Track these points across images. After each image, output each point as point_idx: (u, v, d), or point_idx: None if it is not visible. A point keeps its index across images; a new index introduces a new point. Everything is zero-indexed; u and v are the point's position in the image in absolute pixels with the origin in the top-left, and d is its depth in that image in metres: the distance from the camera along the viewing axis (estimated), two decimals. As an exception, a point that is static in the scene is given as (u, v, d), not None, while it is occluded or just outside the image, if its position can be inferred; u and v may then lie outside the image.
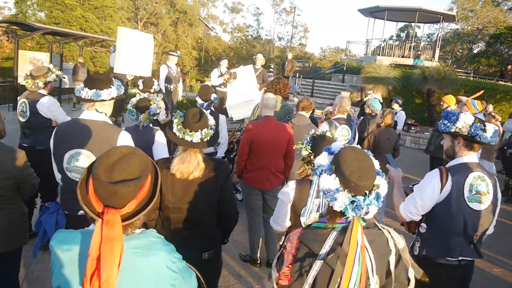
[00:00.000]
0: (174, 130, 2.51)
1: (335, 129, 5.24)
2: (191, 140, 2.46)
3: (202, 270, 1.89)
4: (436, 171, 2.69)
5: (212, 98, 5.27)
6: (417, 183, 2.94)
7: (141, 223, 1.59)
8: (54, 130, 3.04)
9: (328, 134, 2.64)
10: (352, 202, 1.56)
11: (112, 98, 3.00)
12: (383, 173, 1.69)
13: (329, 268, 1.59)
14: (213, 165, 2.62)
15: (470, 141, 2.66)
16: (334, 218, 1.66)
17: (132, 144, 3.03)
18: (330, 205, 1.62)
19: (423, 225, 2.77)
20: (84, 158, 2.89)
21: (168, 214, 2.60)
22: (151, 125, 3.85)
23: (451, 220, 2.64)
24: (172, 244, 1.66)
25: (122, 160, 1.47)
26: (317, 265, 1.60)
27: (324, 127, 5.29)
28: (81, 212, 2.89)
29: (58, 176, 3.07)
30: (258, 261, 4.60)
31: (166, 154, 3.67)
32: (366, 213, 1.57)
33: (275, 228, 2.88)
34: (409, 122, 14.46)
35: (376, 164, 1.68)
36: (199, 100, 5.29)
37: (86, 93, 2.90)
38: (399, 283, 1.77)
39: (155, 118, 3.87)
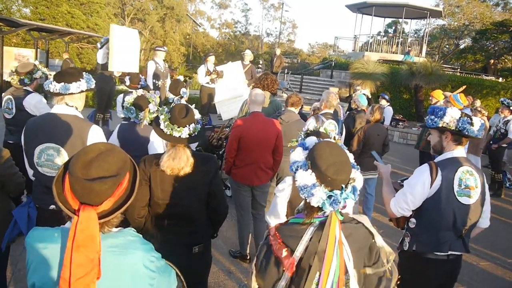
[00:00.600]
0: (161, 126, 2.49)
1: (322, 124, 5.25)
2: (180, 136, 2.45)
3: (193, 264, 1.89)
4: (425, 166, 2.70)
5: (181, 92, 5.25)
6: (406, 178, 2.96)
7: (118, 221, 1.56)
8: (25, 125, 2.98)
9: (321, 129, 2.63)
10: (330, 197, 1.55)
11: (82, 91, 2.95)
12: (358, 166, 1.69)
13: (306, 264, 1.58)
14: (202, 160, 2.62)
15: (458, 135, 2.68)
16: (311, 214, 1.65)
17: (104, 138, 3.02)
18: (308, 200, 1.60)
19: (413, 220, 2.78)
20: (54, 153, 2.85)
21: (158, 210, 2.59)
22: (147, 123, 3.83)
23: (441, 215, 2.65)
24: (161, 239, 1.64)
25: (99, 157, 1.45)
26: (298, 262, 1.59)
27: (311, 122, 5.30)
28: (52, 206, 2.88)
29: (30, 172, 3.02)
30: (248, 257, 4.60)
31: (161, 152, 3.65)
32: (344, 207, 1.57)
33: (271, 224, 2.87)
34: (397, 118, 14.57)
35: (351, 157, 1.68)
36: (170, 95, 5.27)
37: (54, 86, 2.85)
38: (377, 271, 1.79)
39: (154, 116, 3.84)
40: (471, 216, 2.70)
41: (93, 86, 3.04)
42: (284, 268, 1.64)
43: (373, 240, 1.76)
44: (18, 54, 14.46)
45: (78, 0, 28.32)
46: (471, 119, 2.65)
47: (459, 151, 2.73)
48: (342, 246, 1.59)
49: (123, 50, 6.76)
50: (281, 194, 2.70)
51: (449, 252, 2.70)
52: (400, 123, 14.67)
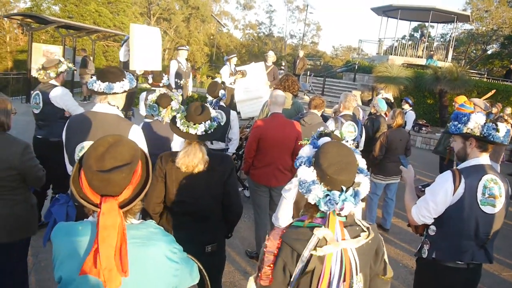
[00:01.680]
0: (178, 124, 2.52)
1: (341, 126, 5.22)
2: (195, 133, 2.48)
3: (205, 263, 1.89)
4: (448, 173, 2.62)
5: (220, 94, 5.26)
6: (427, 184, 2.90)
7: (139, 209, 1.59)
8: (67, 122, 3.05)
9: (336, 132, 2.62)
10: (326, 195, 1.54)
11: (125, 91, 3.00)
12: (368, 172, 1.66)
13: (311, 268, 1.57)
14: (218, 159, 2.64)
15: (483, 141, 2.60)
16: (311, 214, 1.64)
17: (143, 139, 3.05)
18: (306, 197, 1.59)
19: (432, 227, 2.72)
20: None
21: (173, 207, 2.62)
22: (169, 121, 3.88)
23: (463, 223, 2.58)
24: (175, 237, 1.66)
25: (110, 149, 1.47)
26: (300, 265, 1.58)
27: (330, 123, 5.28)
28: None
29: (69, 168, 3.09)
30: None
31: None
32: (341, 209, 1.54)
33: (277, 225, 2.87)
34: (420, 123, 14.35)
35: (362, 162, 1.66)
36: (209, 97, 5.30)
37: (99, 85, 2.90)
38: (379, 277, 1.77)
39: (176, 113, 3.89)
40: (494, 226, 2.62)
41: (134, 85, 3.10)
42: (260, 277, 1.64)
43: (381, 243, 1.75)
44: (46, 50, 14.79)
45: (105, -1, 28.87)
46: (496, 125, 2.57)
47: (484, 158, 2.65)
48: (347, 248, 1.57)
49: (144, 48, 6.83)
50: (287, 194, 2.70)
51: (470, 261, 2.64)
52: (423, 128, 14.44)
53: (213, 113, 2.63)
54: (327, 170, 1.54)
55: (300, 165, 1.65)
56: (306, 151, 1.70)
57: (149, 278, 1.51)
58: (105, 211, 1.40)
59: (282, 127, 4.26)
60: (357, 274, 1.61)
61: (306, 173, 1.59)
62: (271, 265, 1.64)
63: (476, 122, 2.59)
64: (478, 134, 2.59)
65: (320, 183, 1.56)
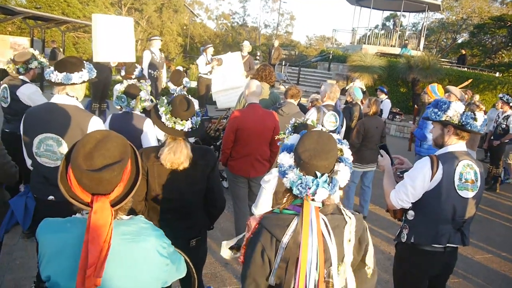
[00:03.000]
0: (163, 119, 2.43)
1: (323, 115, 5.23)
2: (182, 129, 2.42)
3: (190, 257, 1.88)
4: (426, 159, 2.68)
5: (184, 82, 5.21)
6: (405, 170, 2.95)
7: (130, 206, 1.58)
8: (24, 114, 2.94)
9: (309, 121, 2.61)
10: (299, 179, 1.56)
11: (84, 82, 2.91)
12: (351, 163, 1.66)
13: (288, 254, 1.58)
14: (200, 154, 2.59)
15: (461, 129, 2.66)
16: (287, 199, 1.67)
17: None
18: (283, 182, 1.63)
19: (411, 212, 2.77)
20: (54, 143, 2.82)
21: (155, 204, 2.56)
22: (139, 112, 3.80)
23: (440, 208, 2.65)
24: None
25: (98, 146, 1.42)
26: (281, 252, 1.59)
27: (312, 113, 5.28)
28: (50, 197, 2.85)
29: (28, 162, 2.99)
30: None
31: (155, 143, 3.62)
32: (314, 194, 1.55)
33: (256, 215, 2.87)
34: (394, 111, 14.58)
35: (346, 152, 1.68)
36: (172, 86, 5.22)
37: (56, 76, 2.80)
38: (364, 271, 1.79)
39: (145, 104, 3.82)
40: (470, 209, 2.70)
41: (94, 75, 3.00)
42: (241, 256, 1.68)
43: (365, 234, 1.76)
44: (13, 42, 14.31)
45: (74, -11, 28.07)
46: (474, 114, 2.63)
47: (460, 145, 2.72)
48: (321, 236, 1.57)
49: (114, 39, 6.65)
50: (267, 185, 2.70)
51: (447, 245, 2.70)
52: (397, 117, 14.69)
53: (196, 106, 2.59)
54: (302, 155, 1.58)
55: (282, 151, 1.68)
56: (292, 139, 1.72)
57: (140, 273, 1.50)
58: (97, 209, 1.37)
59: (260, 118, 4.24)
60: (336, 262, 1.61)
61: (285, 158, 1.63)
62: (244, 248, 1.68)
63: (456, 110, 2.63)
64: (457, 122, 2.64)
65: (296, 168, 1.59)
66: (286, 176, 1.60)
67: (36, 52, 4.64)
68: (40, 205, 2.92)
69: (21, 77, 4.45)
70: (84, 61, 2.99)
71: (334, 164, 1.62)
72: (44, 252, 1.47)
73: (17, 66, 4.38)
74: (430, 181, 2.63)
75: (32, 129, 2.86)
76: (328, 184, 1.56)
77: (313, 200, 1.59)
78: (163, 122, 2.44)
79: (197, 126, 2.50)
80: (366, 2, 22.72)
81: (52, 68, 2.86)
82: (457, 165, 2.62)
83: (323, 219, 1.61)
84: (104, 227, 1.36)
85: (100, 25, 6.62)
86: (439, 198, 2.64)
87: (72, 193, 1.42)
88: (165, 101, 2.52)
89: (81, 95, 3.02)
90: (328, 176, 1.58)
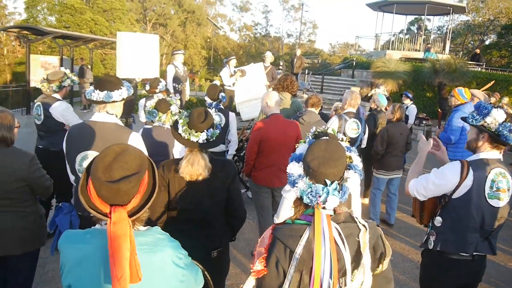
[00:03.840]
0: (179, 131, 2.50)
1: (345, 123, 5.22)
2: (197, 141, 2.46)
3: (211, 268, 1.90)
4: (457, 163, 2.61)
5: (220, 97, 5.27)
6: (431, 129, 2.87)
7: (147, 216, 1.61)
8: (67, 133, 3.07)
9: (329, 130, 2.62)
10: (309, 187, 1.57)
11: (123, 99, 3.01)
12: (361, 171, 1.66)
13: (301, 265, 1.58)
14: (220, 165, 2.63)
15: (495, 139, 2.57)
16: (299, 209, 1.67)
17: (143, 146, 3.05)
18: (293, 191, 1.64)
19: (438, 218, 2.72)
20: None
21: (176, 215, 2.61)
22: (169, 126, 3.90)
23: (469, 216, 2.58)
24: (178, 242, 1.67)
25: (117, 158, 1.48)
26: (294, 263, 1.58)
27: (334, 121, 5.27)
28: None
29: (72, 178, 3.10)
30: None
31: None
32: (325, 202, 1.55)
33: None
34: (421, 116, 14.32)
35: (355, 159, 1.67)
36: (208, 100, 5.30)
37: (98, 95, 2.91)
38: (383, 278, 1.77)
39: (176, 118, 3.90)
40: (500, 219, 2.62)
41: (132, 93, 3.11)
42: (251, 271, 1.66)
43: (380, 241, 1.74)
44: (44, 61, 14.86)
45: (101, 7, 28.96)
46: None
47: (494, 153, 2.63)
48: (334, 244, 1.56)
49: (137, 56, 6.81)
50: (288, 194, 2.70)
51: (474, 253, 2.64)
52: (424, 122, 14.42)
53: (216, 119, 2.61)
54: (310, 163, 1.58)
55: (291, 161, 1.69)
56: (301, 148, 1.74)
57: (157, 284, 1.52)
58: (115, 220, 1.42)
59: (282, 127, 4.27)
60: (352, 271, 1.61)
61: (295, 167, 1.65)
62: (263, 259, 1.66)
63: (495, 118, 2.53)
64: (493, 130, 2.55)
65: (306, 177, 1.60)
66: (296, 185, 1.61)
67: (68, 71, 4.83)
68: (84, 222, 3.00)
69: (54, 95, 4.64)
70: (122, 80, 3.10)
71: (344, 172, 1.62)
72: (65, 262, 1.53)
73: (51, 85, 4.58)
74: (459, 186, 2.57)
75: (75, 146, 2.98)
76: (338, 192, 1.56)
77: (324, 208, 1.59)
78: (180, 134, 2.50)
79: (214, 138, 2.52)
80: (389, 7, 22.50)
81: (92, 87, 2.98)
82: (489, 172, 2.54)
83: (336, 228, 1.60)
84: (124, 236, 1.40)
85: (124, 42, 6.80)
86: (468, 205, 2.57)
87: (91, 204, 1.48)
88: (185, 113, 2.59)
89: (120, 112, 3.12)
90: (338, 184, 1.58)
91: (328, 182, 1.57)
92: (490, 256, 2.78)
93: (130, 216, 1.47)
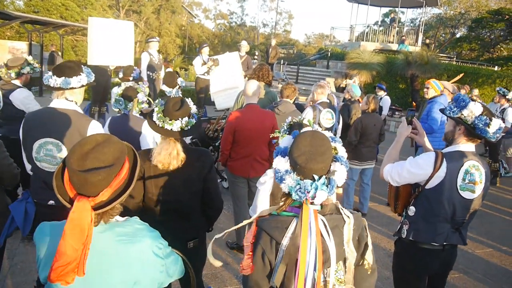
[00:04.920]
0: (154, 118, 2.47)
1: (319, 113, 5.25)
2: (171, 129, 2.43)
3: (188, 259, 1.90)
4: (432, 154, 2.65)
5: (179, 82, 5.21)
6: (412, 114, 2.92)
7: (118, 212, 1.57)
8: (24, 119, 2.97)
9: (305, 121, 2.62)
10: (298, 184, 1.56)
11: (82, 86, 2.93)
12: (346, 161, 1.65)
13: (286, 258, 1.59)
14: (196, 155, 2.61)
15: (470, 132, 2.60)
16: (285, 202, 1.66)
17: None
18: (281, 186, 1.62)
19: (412, 208, 2.76)
20: (53, 148, 2.85)
21: (152, 206, 2.58)
22: (137, 114, 3.82)
23: (440, 207, 2.63)
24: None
25: (96, 148, 1.45)
26: (281, 254, 1.59)
27: (308, 111, 5.30)
28: (51, 202, 2.88)
29: (28, 166, 3.02)
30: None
31: (153, 145, 3.64)
32: (314, 197, 1.55)
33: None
34: (394, 107, 14.57)
35: (341, 150, 1.66)
36: (166, 88, 5.22)
37: (55, 81, 2.82)
38: (367, 269, 1.80)
39: (143, 106, 3.84)
40: (471, 210, 2.69)
41: (93, 79, 3.03)
42: (241, 267, 1.66)
43: (364, 233, 1.76)
44: (12, 47, 14.35)
45: (72, -8, 28.07)
46: (490, 120, 2.54)
47: (469, 146, 2.66)
48: (320, 237, 1.57)
49: (110, 43, 6.66)
50: (263, 187, 2.71)
51: (445, 243, 2.70)
52: (397, 113, 14.68)
53: (194, 109, 2.59)
54: (298, 159, 1.56)
55: (276, 155, 1.66)
56: (285, 141, 1.70)
57: (136, 274, 1.51)
58: (75, 210, 1.38)
59: (258, 118, 4.26)
60: (336, 262, 1.62)
61: (280, 163, 1.62)
62: (250, 253, 1.66)
63: (472, 111, 2.55)
64: (469, 123, 2.58)
65: (293, 172, 1.58)
66: (284, 181, 1.59)
67: (30, 58, 4.69)
68: (40, 210, 2.94)
69: (13, 81, 4.50)
70: (82, 65, 3.02)
71: (330, 164, 1.61)
72: (40, 254, 1.51)
73: (9, 71, 4.43)
74: (432, 177, 2.61)
75: (32, 134, 2.88)
76: (327, 186, 1.56)
77: (312, 203, 1.58)
78: (154, 121, 2.47)
79: (189, 127, 2.49)
80: (364, -1, 22.70)
81: (50, 73, 2.88)
82: (462, 165, 2.58)
83: (322, 220, 1.61)
84: (80, 228, 1.36)
85: (96, 28, 6.64)
86: (440, 196, 2.62)
87: (62, 190, 1.45)
88: (161, 102, 2.55)
89: (80, 99, 3.04)
90: (326, 178, 1.57)
91: (316, 177, 1.56)
92: (462, 245, 2.85)
93: (96, 209, 1.43)
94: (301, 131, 1.74)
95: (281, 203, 1.69)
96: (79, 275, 1.37)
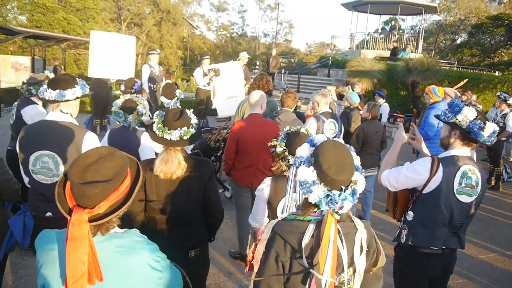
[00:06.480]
0: (154, 129, 2.51)
1: (323, 124, 5.27)
2: (170, 139, 2.46)
3: (189, 268, 1.90)
4: (429, 159, 2.68)
5: (177, 94, 5.25)
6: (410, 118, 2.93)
7: (115, 225, 1.58)
8: (20, 132, 2.99)
9: (302, 130, 2.65)
10: (327, 196, 1.56)
11: (77, 98, 2.95)
12: (363, 170, 1.68)
13: (303, 262, 1.60)
14: (196, 165, 2.63)
15: (465, 136, 2.63)
16: (307, 210, 1.66)
17: (98, 145, 3.00)
18: (305, 196, 1.62)
19: (410, 213, 2.79)
20: (49, 160, 2.87)
21: (153, 215, 2.59)
22: (136, 126, 3.85)
23: (438, 211, 2.65)
24: (157, 244, 1.66)
25: (98, 161, 1.47)
26: (303, 259, 1.60)
27: (311, 122, 5.32)
28: (48, 213, 2.90)
29: (25, 179, 3.03)
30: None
31: (152, 156, 3.66)
32: (341, 208, 1.57)
33: (253, 225, 2.89)
34: (395, 114, 14.58)
35: (357, 160, 1.68)
36: (165, 100, 5.24)
37: (50, 94, 2.85)
38: (374, 275, 1.81)
39: (142, 118, 3.87)
40: (468, 214, 2.71)
41: (87, 91, 3.05)
42: (246, 267, 1.67)
43: (373, 241, 1.78)
44: (15, 62, 14.47)
45: (74, 7, 28.40)
46: (485, 123, 2.57)
47: (464, 150, 2.69)
48: (337, 246, 1.59)
49: (111, 56, 6.71)
50: (261, 194, 2.73)
51: (444, 247, 2.71)
52: (398, 120, 14.68)
53: (194, 119, 2.61)
54: (328, 171, 1.56)
55: (300, 164, 1.65)
56: (304, 150, 1.69)
57: (132, 286, 1.52)
58: (74, 221, 1.40)
59: (260, 127, 4.27)
60: (348, 268, 1.64)
61: (307, 173, 1.61)
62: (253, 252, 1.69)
63: (466, 116, 2.59)
64: (464, 127, 2.61)
65: (321, 183, 1.58)
66: (311, 192, 1.58)
67: (52, 75, 4.74)
68: (38, 222, 2.94)
69: (32, 98, 4.56)
70: (77, 78, 3.05)
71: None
72: (40, 262, 1.52)
73: (30, 87, 4.50)
74: (429, 181, 2.63)
75: (28, 146, 2.91)
76: (352, 196, 1.59)
77: (337, 213, 1.61)
78: (154, 132, 2.50)
79: (188, 136, 2.51)
80: (363, 7, 22.85)
81: (45, 86, 2.91)
82: (458, 169, 2.61)
83: (338, 227, 1.63)
84: (82, 239, 1.38)
85: (98, 41, 6.71)
86: (437, 201, 2.64)
87: (62, 198, 1.47)
88: (162, 113, 2.59)
89: (75, 111, 3.07)
90: (350, 188, 1.60)
91: (343, 187, 1.58)
92: (461, 249, 2.86)
93: (93, 220, 1.44)
94: (316, 138, 1.74)
95: (301, 210, 1.69)
96: (98, 281, 1.41)
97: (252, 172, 4.34)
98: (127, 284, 1.51)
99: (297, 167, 1.66)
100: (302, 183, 1.61)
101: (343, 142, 1.74)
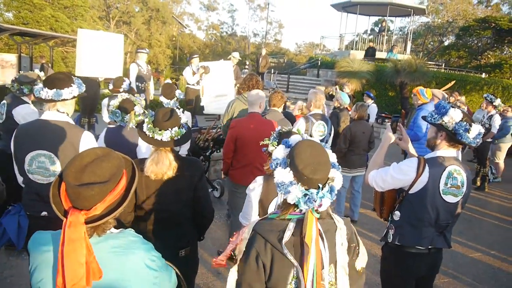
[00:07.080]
0: (144, 129, 2.49)
1: (312, 125, 5.28)
2: (161, 139, 2.45)
3: (179, 268, 1.91)
4: (415, 160, 2.72)
5: (177, 94, 5.23)
6: (396, 119, 2.97)
7: (111, 226, 1.58)
8: (15, 131, 2.95)
9: (294, 129, 2.66)
10: (305, 195, 1.58)
11: (74, 97, 2.93)
12: (339, 166, 1.71)
13: (285, 259, 1.61)
14: (186, 164, 2.63)
15: (451, 137, 2.67)
16: (287, 210, 1.68)
17: (95, 144, 2.99)
18: (284, 197, 1.65)
19: (397, 213, 2.82)
20: (46, 160, 2.84)
21: (143, 215, 2.59)
22: (134, 126, 3.83)
23: (424, 211, 2.69)
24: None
25: (95, 162, 1.46)
26: (277, 256, 1.62)
27: (300, 123, 5.32)
28: (43, 213, 2.86)
29: (20, 179, 3.00)
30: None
31: None
32: (320, 205, 1.59)
33: (244, 224, 2.89)
34: (383, 115, 14.68)
35: (333, 157, 1.70)
36: (164, 100, 5.23)
37: (46, 93, 2.82)
38: (356, 272, 1.83)
39: (140, 118, 3.84)
40: (453, 214, 2.75)
41: (83, 90, 3.02)
42: (214, 261, 1.72)
43: (354, 237, 1.80)
44: (1, 59, 14.25)
45: (62, 4, 28.07)
46: (470, 125, 2.62)
47: (450, 151, 2.73)
48: (319, 242, 1.61)
49: (99, 54, 6.65)
50: (252, 193, 2.73)
51: (430, 247, 2.75)
52: (386, 120, 14.79)
53: (183, 119, 2.61)
54: (304, 171, 1.58)
55: (276, 167, 1.67)
56: (279, 152, 1.71)
57: (129, 286, 1.52)
58: (70, 223, 1.39)
59: (258, 126, 4.26)
60: (329, 265, 1.65)
61: (284, 174, 1.63)
62: (230, 252, 1.72)
63: (452, 117, 2.63)
64: (450, 129, 2.65)
65: (298, 183, 1.60)
66: (289, 193, 1.61)
67: (42, 74, 4.67)
68: (33, 222, 2.92)
69: (24, 97, 4.48)
70: (73, 76, 3.02)
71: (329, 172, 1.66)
72: (33, 264, 1.51)
73: (22, 86, 4.41)
74: (415, 182, 2.67)
75: (24, 146, 2.87)
76: (330, 193, 1.61)
77: (316, 211, 1.63)
78: (145, 132, 2.49)
79: (179, 137, 2.51)
80: (352, 8, 22.93)
81: (41, 85, 2.87)
82: (444, 170, 2.65)
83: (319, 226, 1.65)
84: (79, 241, 1.38)
85: (85, 40, 6.65)
86: (423, 201, 2.68)
87: (57, 199, 1.46)
88: (151, 113, 2.57)
89: (71, 111, 3.04)
90: (328, 185, 1.62)
91: (320, 185, 1.60)
92: (446, 248, 2.90)
93: (89, 222, 1.44)
94: (291, 139, 1.76)
95: (284, 211, 1.70)
96: (98, 279, 1.42)
97: (250, 171, 4.32)
98: (124, 283, 1.51)
99: (273, 169, 1.68)
100: (280, 184, 1.63)
101: (319, 141, 1.76)
